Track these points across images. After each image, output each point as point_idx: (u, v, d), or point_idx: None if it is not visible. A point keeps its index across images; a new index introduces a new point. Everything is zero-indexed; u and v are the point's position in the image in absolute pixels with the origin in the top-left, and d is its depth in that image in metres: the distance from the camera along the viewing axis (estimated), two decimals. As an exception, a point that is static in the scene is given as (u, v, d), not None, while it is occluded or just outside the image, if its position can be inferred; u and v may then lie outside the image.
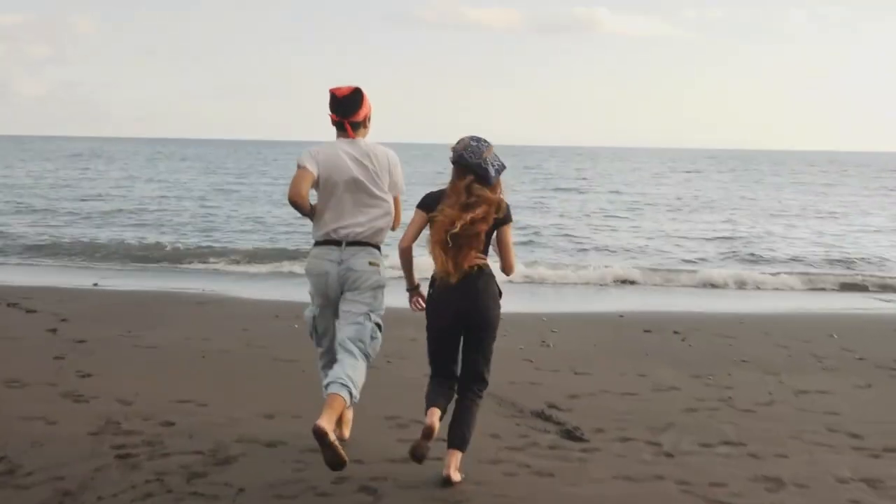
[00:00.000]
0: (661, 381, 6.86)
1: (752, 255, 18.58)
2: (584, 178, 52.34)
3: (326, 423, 3.93)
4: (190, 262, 16.11)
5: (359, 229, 4.42)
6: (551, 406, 5.88)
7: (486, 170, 4.28)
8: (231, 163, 68.85)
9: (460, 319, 4.33)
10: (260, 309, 10.52)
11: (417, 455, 4.19)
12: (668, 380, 6.90)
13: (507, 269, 4.44)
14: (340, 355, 4.31)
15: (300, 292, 12.76)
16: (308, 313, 4.71)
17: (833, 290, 14.38)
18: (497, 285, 4.43)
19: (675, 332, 9.39)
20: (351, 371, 4.22)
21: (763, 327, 9.97)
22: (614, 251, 19.01)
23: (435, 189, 4.44)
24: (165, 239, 19.49)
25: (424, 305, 4.49)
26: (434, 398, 4.35)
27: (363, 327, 4.39)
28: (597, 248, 19.42)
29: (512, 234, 4.43)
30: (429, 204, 4.35)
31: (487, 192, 4.27)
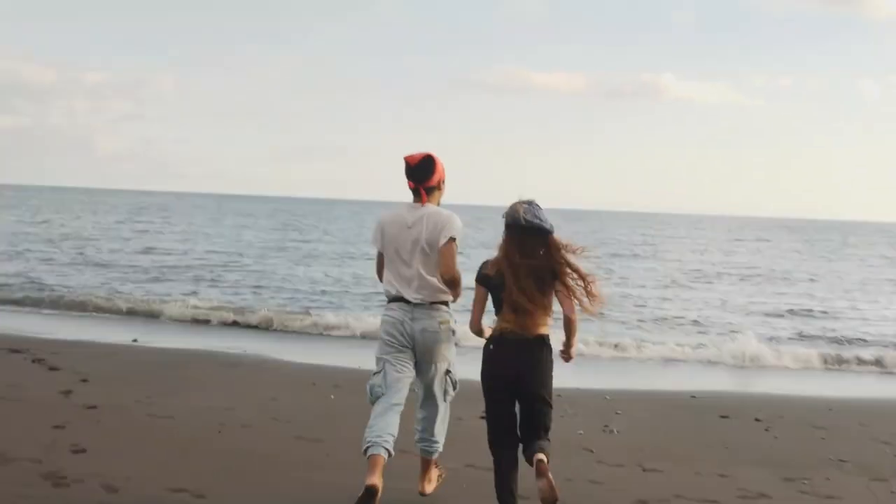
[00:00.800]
0: (747, 483, 5.78)
1: (833, 331, 17.21)
2: (650, 244, 50.95)
3: (427, 486, 4.90)
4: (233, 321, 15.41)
5: (419, 293, 4.58)
6: (616, 516, 4.87)
7: (541, 226, 4.31)
8: (293, 219, 69.18)
9: (517, 384, 4.39)
10: (296, 375, 9.76)
11: None
12: (755, 483, 5.82)
13: (570, 314, 4.42)
14: (431, 420, 4.76)
15: (342, 356, 12.32)
16: (373, 381, 4.77)
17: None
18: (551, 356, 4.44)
19: (757, 420, 8.30)
20: (442, 433, 4.82)
21: (857, 416, 8.79)
22: (679, 324, 17.81)
23: (488, 258, 4.50)
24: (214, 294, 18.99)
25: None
26: (506, 493, 4.43)
27: (445, 383, 4.73)
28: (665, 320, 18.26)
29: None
30: (485, 274, 4.41)
31: (560, 251, 4.34)
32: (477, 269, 4.49)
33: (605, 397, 9.27)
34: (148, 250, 30.65)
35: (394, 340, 4.60)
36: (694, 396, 9.73)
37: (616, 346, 13.53)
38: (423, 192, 4.64)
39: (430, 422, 4.79)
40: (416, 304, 4.57)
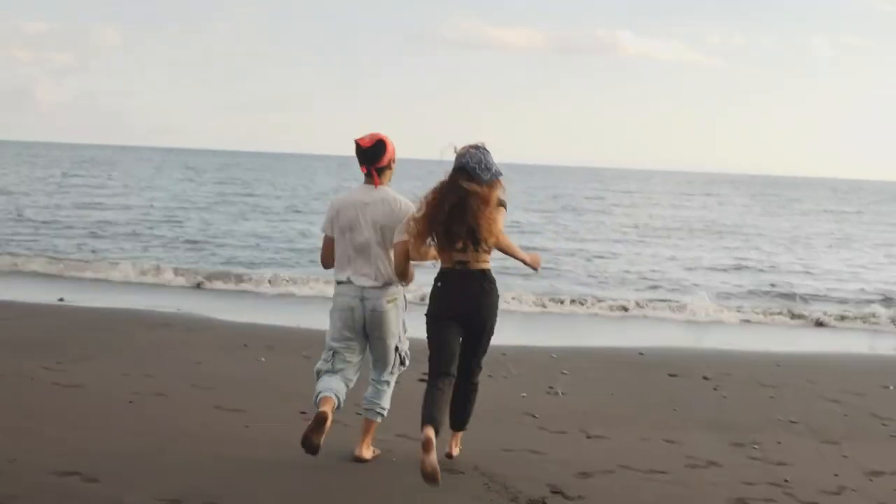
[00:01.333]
0: (696, 450, 5.47)
1: (780, 286, 17.15)
2: (599, 198, 50.93)
3: (366, 452, 4.87)
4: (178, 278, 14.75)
5: (369, 275, 4.71)
6: (555, 491, 4.47)
7: (474, 168, 4.47)
8: (241, 173, 67.63)
9: (461, 318, 4.58)
10: (228, 336, 9.25)
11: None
12: (704, 449, 5.50)
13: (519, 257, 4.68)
14: (374, 386, 4.88)
15: (281, 315, 11.82)
16: (318, 365, 4.89)
17: (877, 329, 12.87)
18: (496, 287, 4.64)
19: (706, 378, 8.05)
20: (384, 401, 4.88)
21: (805, 374, 8.59)
22: (629, 279, 17.63)
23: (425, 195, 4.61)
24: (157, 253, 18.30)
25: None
26: (430, 410, 4.43)
27: (393, 360, 4.84)
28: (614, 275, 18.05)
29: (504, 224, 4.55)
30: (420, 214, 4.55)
31: (474, 185, 4.44)
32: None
33: (551, 355, 8.95)
34: (84, 206, 29.52)
35: (344, 327, 4.76)
36: (642, 353, 9.46)
37: (563, 302, 13.28)
38: (374, 172, 4.76)
39: (377, 392, 4.91)
40: (365, 287, 4.71)
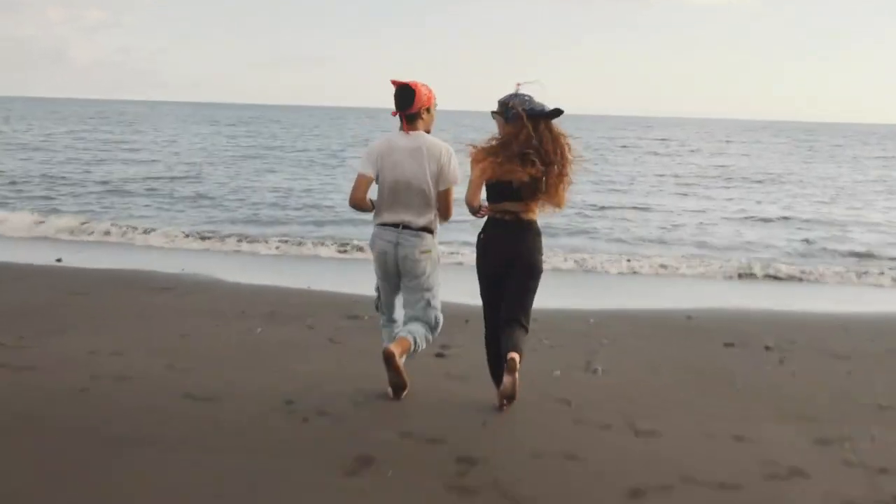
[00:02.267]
0: (773, 451, 4.39)
1: (839, 240, 15.87)
2: (635, 147, 49.23)
3: (396, 347, 4.72)
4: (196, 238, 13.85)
5: (409, 219, 4.76)
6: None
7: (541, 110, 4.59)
8: (269, 126, 66.64)
9: (507, 263, 4.70)
10: (229, 300, 8.35)
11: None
12: (782, 450, 4.42)
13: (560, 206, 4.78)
14: (410, 322, 4.93)
15: (292, 278, 10.95)
16: (375, 287, 5.08)
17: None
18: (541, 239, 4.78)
19: (768, 349, 6.98)
20: (420, 333, 4.86)
21: (880, 340, 7.52)
22: (669, 236, 16.43)
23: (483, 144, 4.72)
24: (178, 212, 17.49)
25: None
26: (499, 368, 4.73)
27: (426, 313, 4.92)
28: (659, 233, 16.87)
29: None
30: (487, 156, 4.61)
31: (545, 148, 4.57)
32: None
33: (588, 320, 7.94)
34: (101, 161, 28.76)
35: (380, 269, 4.91)
36: (690, 317, 8.42)
37: (599, 262, 12.17)
38: (403, 118, 4.79)
39: (415, 326, 4.95)
40: (402, 229, 4.77)
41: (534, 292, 4.82)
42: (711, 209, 20.11)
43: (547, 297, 5.25)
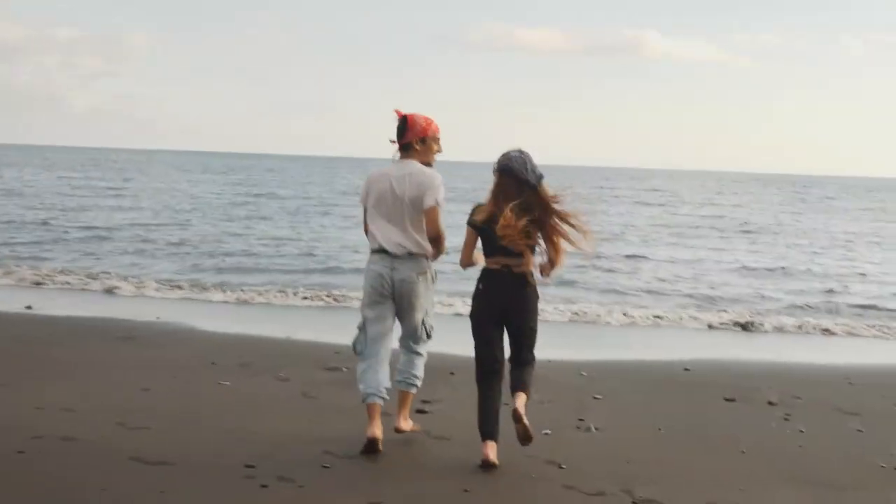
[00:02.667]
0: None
1: (833, 291, 15.48)
2: (626, 197, 49.11)
3: (404, 423, 5.07)
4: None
5: (401, 243, 4.84)
6: None
7: (527, 176, 4.60)
8: (262, 174, 66.43)
9: (505, 317, 4.72)
10: (200, 350, 7.90)
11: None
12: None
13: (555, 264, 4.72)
14: (404, 358, 5.08)
15: (272, 326, 9.91)
16: (359, 325, 5.02)
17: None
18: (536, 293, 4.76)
19: (771, 404, 6.55)
20: (417, 370, 5.05)
21: (891, 395, 7.13)
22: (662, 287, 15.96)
23: (478, 203, 4.82)
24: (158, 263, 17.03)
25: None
26: (487, 426, 4.62)
27: (419, 331, 5.00)
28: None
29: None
30: (475, 219, 4.70)
31: (547, 194, 4.64)
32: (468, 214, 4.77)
33: (580, 373, 7.51)
34: (88, 208, 28.29)
35: (375, 293, 4.89)
36: (688, 369, 8.00)
37: (591, 312, 11.74)
38: (399, 148, 4.93)
39: (410, 361, 5.06)
40: (395, 256, 4.83)
41: (535, 334, 4.82)
42: (706, 259, 19.71)
43: (540, 347, 4.83)
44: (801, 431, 5.74)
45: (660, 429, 5.66)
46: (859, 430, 5.85)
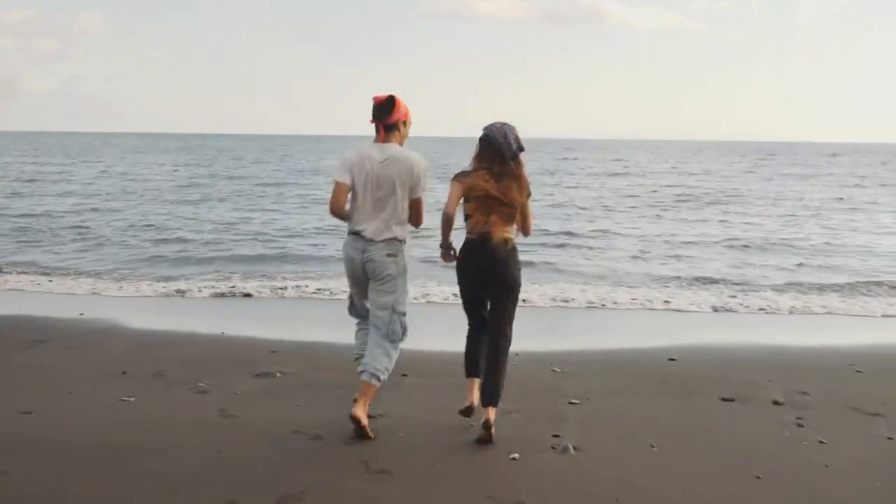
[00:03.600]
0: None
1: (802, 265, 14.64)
2: (591, 169, 48.28)
3: (361, 411, 4.72)
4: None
5: (379, 227, 4.79)
6: None
7: (509, 145, 4.80)
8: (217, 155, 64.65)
9: (484, 279, 4.88)
10: (120, 354, 6.86)
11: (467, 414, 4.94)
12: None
13: (526, 232, 4.96)
14: (370, 346, 4.88)
15: (216, 321, 8.68)
16: (349, 294, 5.15)
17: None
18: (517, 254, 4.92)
19: (777, 404, 5.60)
20: (380, 362, 4.82)
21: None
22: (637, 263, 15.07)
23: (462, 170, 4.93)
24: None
25: (455, 259, 4.96)
26: (472, 366, 5.00)
27: (391, 322, 4.86)
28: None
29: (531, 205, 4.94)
30: (462, 176, 4.85)
31: (515, 169, 4.82)
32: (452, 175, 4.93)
33: (552, 368, 6.54)
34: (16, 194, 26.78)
35: (351, 277, 4.97)
36: (673, 359, 7.07)
37: (561, 293, 10.75)
38: (381, 128, 4.83)
39: (374, 354, 4.86)
40: (370, 240, 4.79)
41: (515, 304, 4.99)
42: (680, 233, 18.77)
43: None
44: (822, 443, 4.78)
45: (652, 446, 4.66)
46: (890, 438, 4.91)
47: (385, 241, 4.81)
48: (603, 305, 10.14)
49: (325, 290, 10.84)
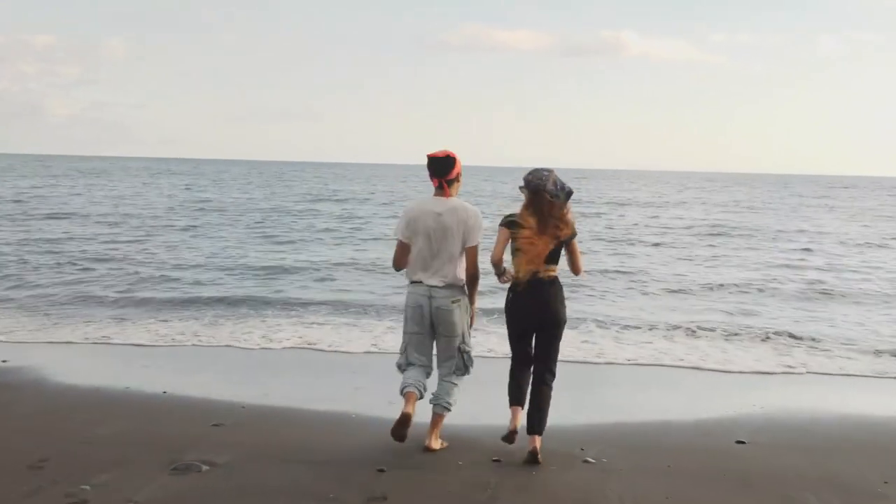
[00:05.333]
0: None
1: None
2: (610, 203, 46.13)
3: (434, 443, 5.11)
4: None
5: (439, 276, 5.13)
6: None
7: (557, 193, 5.07)
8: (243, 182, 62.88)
9: (534, 320, 5.11)
10: (10, 423, 5.26)
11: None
12: None
13: (576, 271, 5.19)
14: (440, 381, 5.25)
15: (149, 373, 7.15)
16: (401, 349, 5.34)
17: None
18: (563, 292, 5.17)
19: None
20: (451, 395, 5.20)
21: None
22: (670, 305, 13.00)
23: (509, 212, 5.21)
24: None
25: (510, 281, 5.15)
26: (516, 395, 5.13)
27: (458, 359, 5.23)
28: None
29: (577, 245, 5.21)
30: (509, 223, 5.09)
31: (565, 215, 5.08)
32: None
33: (585, 457, 4.92)
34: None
35: (414, 323, 5.22)
36: (742, 441, 5.37)
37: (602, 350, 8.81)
38: (444, 185, 5.19)
39: (444, 388, 5.21)
40: (433, 286, 5.13)
41: (559, 340, 5.21)
42: (727, 273, 16.19)
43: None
44: None
45: None
46: None
47: (448, 287, 5.16)
48: (638, 362, 8.18)
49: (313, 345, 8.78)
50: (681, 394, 7.04)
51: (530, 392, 5.09)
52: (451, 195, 5.20)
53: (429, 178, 5.24)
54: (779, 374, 7.85)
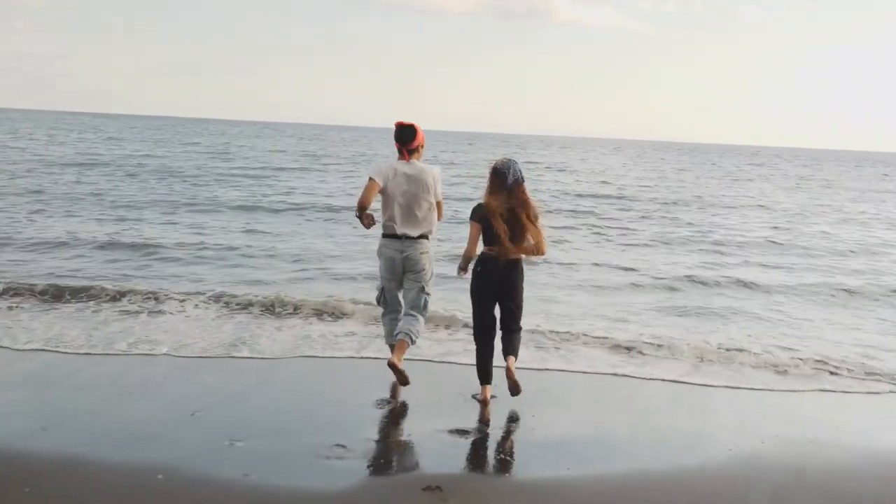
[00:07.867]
0: None
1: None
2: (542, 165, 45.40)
3: (397, 359, 5.99)
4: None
5: (412, 230, 6.11)
6: None
7: (516, 178, 5.86)
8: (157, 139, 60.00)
9: (498, 294, 5.96)
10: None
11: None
12: None
13: (540, 251, 5.93)
14: (405, 317, 6.22)
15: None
16: (378, 285, 6.42)
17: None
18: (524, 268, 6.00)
19: None
20: (414, 326, 6.17)
21: None
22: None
23: (476, 201, 5.99)
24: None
25: (472, 273, 5.96)
26: (484, 371, 6.08)
27: (420, 298, 6.22)
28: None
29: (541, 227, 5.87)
30: (478, 216, 5.84)
31: (526, 195, 5.86)
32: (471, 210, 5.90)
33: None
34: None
35: (387, 271, 6.21)
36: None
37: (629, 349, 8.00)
38: (405, 152, 6.12)
39: (410, 320, 6.18)
40: (405, 238, 6.10)
41: (522, 306, 6.06)
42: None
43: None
44: None
45: None
46: None
47: (419, 238, 6.12)
48: (651, 379, 7.14)
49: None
50: (709, 418, 6.20)
51: (502, 339, 5.99)
52: (413, 160, 6.16)
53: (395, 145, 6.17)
54: (809, 390, 7.00)
